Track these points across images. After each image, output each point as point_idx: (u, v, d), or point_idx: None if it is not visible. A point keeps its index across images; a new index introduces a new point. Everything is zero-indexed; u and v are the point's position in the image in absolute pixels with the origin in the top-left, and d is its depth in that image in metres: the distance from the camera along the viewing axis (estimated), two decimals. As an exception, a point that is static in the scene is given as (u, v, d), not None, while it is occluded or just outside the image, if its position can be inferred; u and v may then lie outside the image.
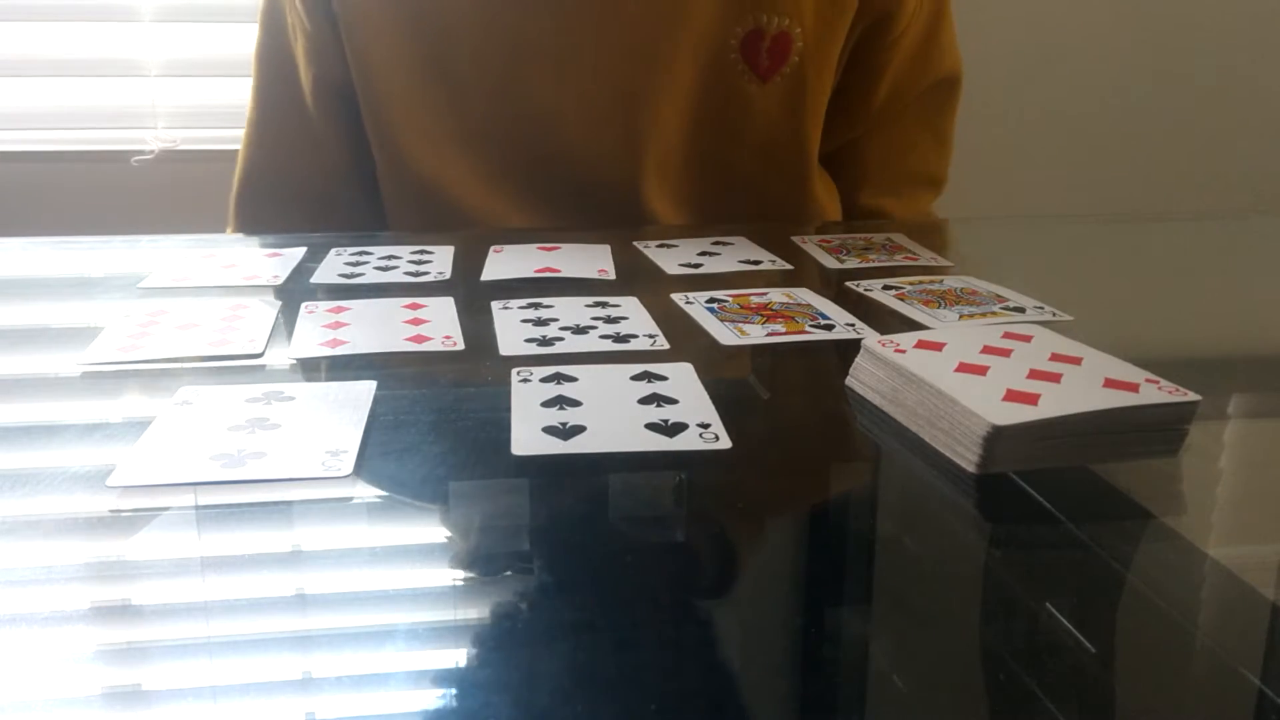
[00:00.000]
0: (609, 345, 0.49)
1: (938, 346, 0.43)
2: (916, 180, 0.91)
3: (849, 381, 0.45)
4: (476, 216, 0.80)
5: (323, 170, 0.83)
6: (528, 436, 0.39)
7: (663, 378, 0.44)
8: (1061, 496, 0.36)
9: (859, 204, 0.90)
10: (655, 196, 0.81)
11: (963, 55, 0.90)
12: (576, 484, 0.38)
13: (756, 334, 0.51)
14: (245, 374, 0.47)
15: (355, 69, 0.78)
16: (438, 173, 0.79)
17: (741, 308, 0.55)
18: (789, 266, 0.65)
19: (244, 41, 1.17)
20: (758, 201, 0.84)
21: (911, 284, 0.60)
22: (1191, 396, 0.39)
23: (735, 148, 0.81)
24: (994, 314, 0.54)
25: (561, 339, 0.50)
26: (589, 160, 0.79)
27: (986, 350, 0.43)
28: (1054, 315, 0.54)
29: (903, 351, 0.43)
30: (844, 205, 0.90)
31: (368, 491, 0.37)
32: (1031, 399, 0.38)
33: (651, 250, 0.68)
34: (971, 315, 0.54)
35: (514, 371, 0.44)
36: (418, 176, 0.79)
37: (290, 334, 0.51)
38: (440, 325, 0.52)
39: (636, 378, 0.44)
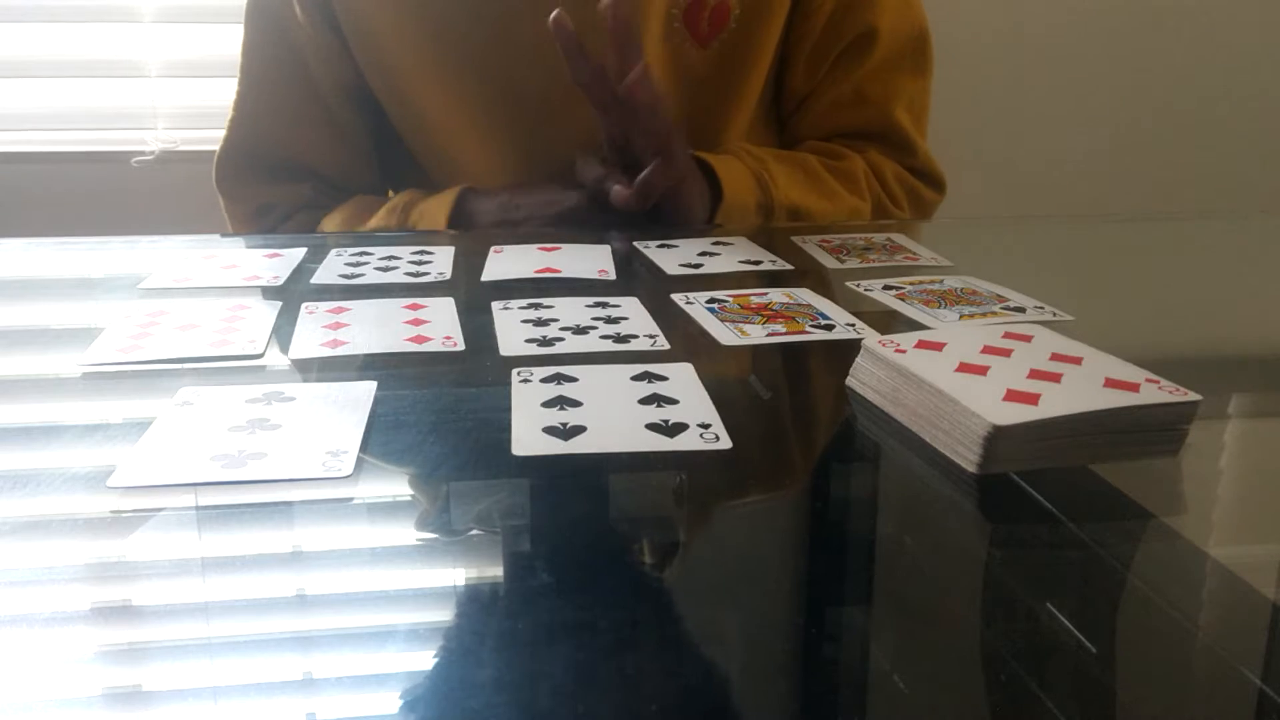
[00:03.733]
0: (609, 345, 0.49)
1: (938, 346, 0.43)
2: (858, 138, 0.91)
3: (849, 381, 0.45)
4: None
5: (344, 157, 0.87)
6: (528, 436, 0.39)
7: (663, 378, 0.44)
8: (1061, 496, 0.36)
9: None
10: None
11: (962, 55, 0.90)
12: (576, 484, 0.38)
13: (757, 334, 0.51)
14: (246, 374, 0.47)
15: (370, 70, 0.83)
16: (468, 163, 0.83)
17: (742, 308, 0.55)
18: (789, 266, 0.65)
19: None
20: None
21: (912, 284, 0.60)
22: (1192, 396, 0.39)
23: (676, 110, 0.85)
24: (994, 314, 0.54)
25: (562, 339, 0.50)
26: (580, 141, 0.81)
27: (987, 350, 0.43)
28: (1054, 315, 0.54)
29: (903, 351, 0.43)
30: None
31: (368, 492, 0.37)
32: (1032, 399, 0.38)
33: (651, 250, 0.68)
34: (972, 315, 0.54)
35: (514, 371, 0.44)
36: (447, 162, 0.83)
37: (290, 334, 0.51)
38: (440, 325, 0.52)
39: (637, 378, 0.44)
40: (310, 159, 0.85)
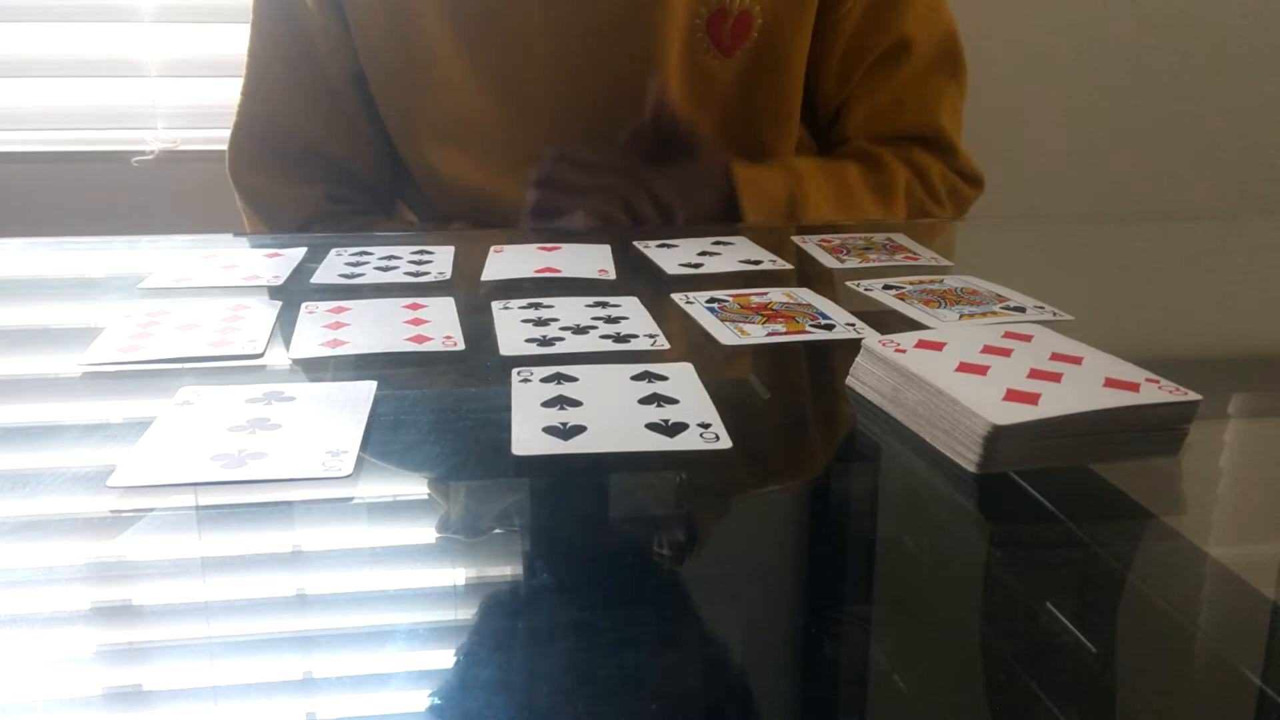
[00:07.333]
0: (609, 345, 0.49)
1: (938, 346, 0.43)
2: (903, 140, 0.90)
3: (849, 381, 0.45)
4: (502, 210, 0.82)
5: (357, 145, 0.85)
6: (528, 436, 0.39)
7: (663, 378, 0.44)
8: (1061, 496, 0.36)
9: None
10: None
11: (963, 55, 0.89)
12: (576, 484, 0.38)
13: (757, 334, 0.51)
14: (245, 374, 0.47)
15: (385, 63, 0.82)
16: (456, 170, 0.83)
17: (742, 308, 0.55)
18: (789, 266, 0.65)
19: (244, 42, 1.17)
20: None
21: (912, 284, 0.60)
22: (1192, 396, 0.39)
23: (702, 121, 0.84)
24: (994, 314, 0.54)
25: (562, 339, 0.50)
26: (590, 144, 0.81)
27: (987, 350, 0.43)
28: (1054, 315, 0.54)
29: (903, 351, 0.43)
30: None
31: (368, 491, 0.37)
32: (1032, 399, 0.38)
33: (651, 250, 0.68)
34: (972, 315, 0.54)
35: (514, 371, 0.44)
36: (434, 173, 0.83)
37: (290, 334, 0.51)
38: (440, 325, 0.52)
39: (637, 378, 0.44)
40: (325, 146, 0.83)
